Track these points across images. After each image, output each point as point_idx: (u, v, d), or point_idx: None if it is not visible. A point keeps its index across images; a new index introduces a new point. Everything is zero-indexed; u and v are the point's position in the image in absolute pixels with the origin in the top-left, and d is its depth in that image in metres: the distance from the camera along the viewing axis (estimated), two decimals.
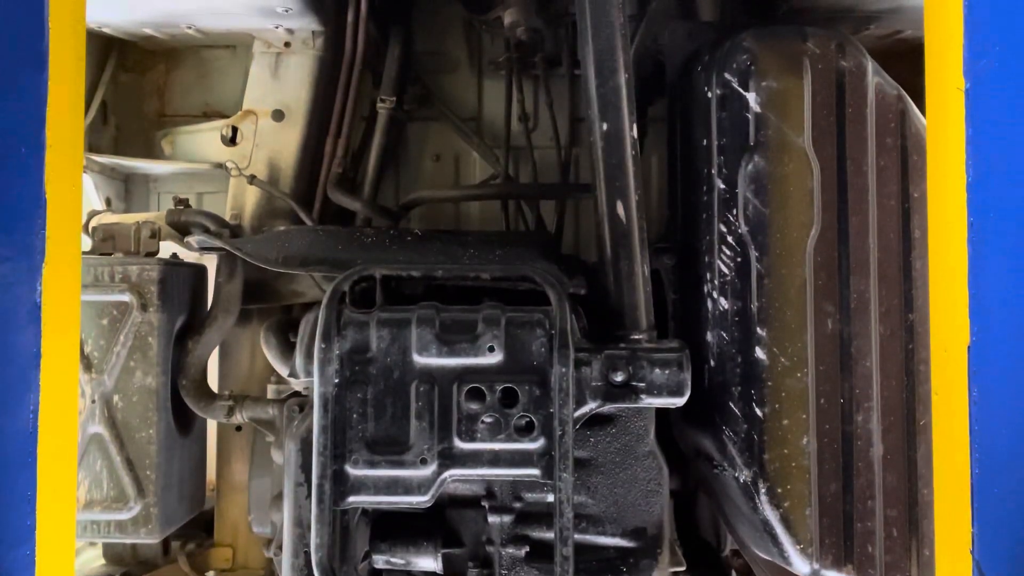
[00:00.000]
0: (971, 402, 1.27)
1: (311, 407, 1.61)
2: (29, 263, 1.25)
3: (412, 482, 1.59)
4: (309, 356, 1.64)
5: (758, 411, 1.73)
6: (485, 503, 1.67)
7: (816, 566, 1.73)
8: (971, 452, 1.27)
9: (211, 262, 2.24)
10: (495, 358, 1.60)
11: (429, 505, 1.61)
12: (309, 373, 1.63)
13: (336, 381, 1.60)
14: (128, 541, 2.01)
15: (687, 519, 2.23)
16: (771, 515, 1.73)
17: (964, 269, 1.27)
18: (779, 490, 1.72)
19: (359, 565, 1.71)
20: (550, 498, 1.61)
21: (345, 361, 1.61)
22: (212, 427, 2.33)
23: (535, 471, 1.58)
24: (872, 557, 1.74)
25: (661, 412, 1.82)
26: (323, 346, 1.60)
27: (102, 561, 2.14)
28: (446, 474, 1.58)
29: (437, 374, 1.60)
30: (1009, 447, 1.25)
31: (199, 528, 2.37)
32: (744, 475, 1.75)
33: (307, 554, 1.62)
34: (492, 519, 1.64)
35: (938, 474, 1.34)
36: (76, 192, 1.36)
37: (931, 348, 1.36)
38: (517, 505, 1.66)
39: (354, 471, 1.58)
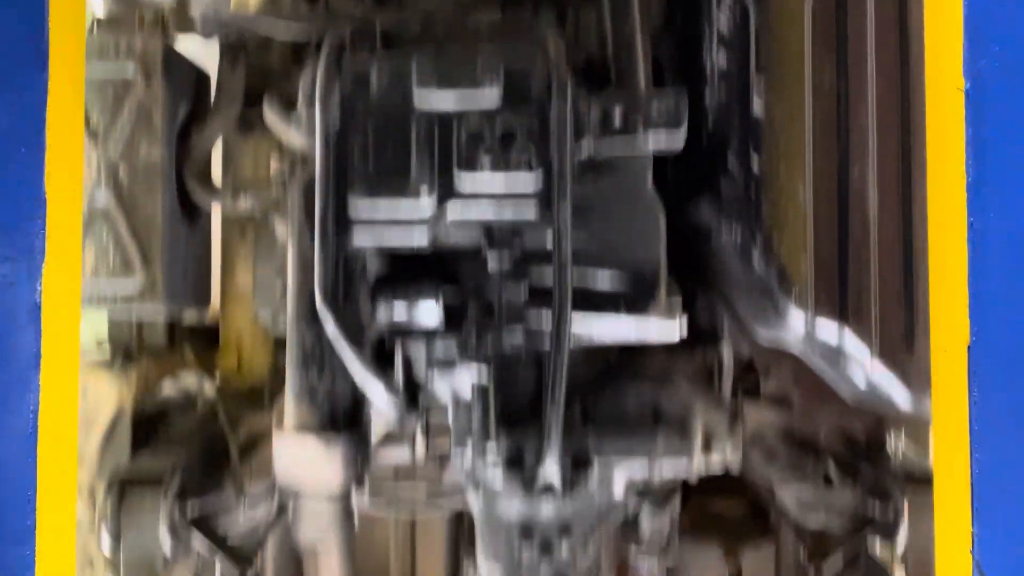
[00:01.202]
0: (971, 402, 1.30)
1: (314, 158, 1.63)
2: (29, 263, 1.29)
3: (414, 216, 1.62)
4: (310, 102, 1.66)
5: (755, 164, 1.74)
6: (485, 242, 1.68)
7: (811, 317, 1.76)
8: (971, 452, 1.30)
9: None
10: (494, 93, 1.61)
11: (430, 246, 1.65)
12: (311, 118, 1.65)
13: (337, 119, 1.62)
14: (134, 314, 2.05)
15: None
16: (766, 269, 1.75)
17: (964, 269, 1.30)
18: (774, 242, 1.74)
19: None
20: (550, 245, 1.63)
21: (346, 99, 1.63)
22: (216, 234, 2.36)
23: (533, 204, 1.60)
24: (868, 308, 1.77)
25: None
26: (324, 83, 1.61)
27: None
28: (447, 208, 1.61)
29: (437, 110, 1.62)
30: (1009, 447, 1.28)
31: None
32: (740, 232, 1.77)
33: (311, 295, 1.65)
34: (491, 258, 1.66)
35: (938, 474, 1.36)
36: (76, 192, 1.38)
37: (931, 348, 1.39)
38: (517, 242, 1.68)
39: (356, 206, 1.61)
